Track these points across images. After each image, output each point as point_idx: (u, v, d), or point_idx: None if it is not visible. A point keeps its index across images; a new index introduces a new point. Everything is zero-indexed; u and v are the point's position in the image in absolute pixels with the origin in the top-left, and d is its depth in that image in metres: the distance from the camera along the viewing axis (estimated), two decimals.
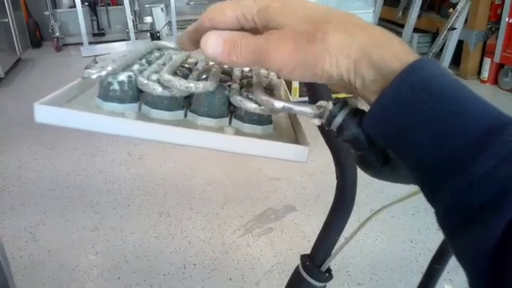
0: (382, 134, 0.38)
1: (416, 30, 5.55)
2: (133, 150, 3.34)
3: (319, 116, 0.43)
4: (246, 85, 0.55)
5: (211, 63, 0.62)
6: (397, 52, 0.37)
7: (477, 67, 4.99)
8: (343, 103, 0.42)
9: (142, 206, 2.74)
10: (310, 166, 3.08)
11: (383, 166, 0.42)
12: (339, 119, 0.41)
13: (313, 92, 0.62)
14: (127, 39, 6.85)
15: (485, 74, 4.84)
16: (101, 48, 6.47)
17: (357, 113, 0.41)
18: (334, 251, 0.81)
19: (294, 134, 0.53)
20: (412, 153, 0.36)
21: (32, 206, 2.71)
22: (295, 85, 3.85)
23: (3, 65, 4.77)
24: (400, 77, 0.36)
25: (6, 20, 4.98)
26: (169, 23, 6.90)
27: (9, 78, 4.92)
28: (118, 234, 2.46)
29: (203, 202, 2.81)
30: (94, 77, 0.46)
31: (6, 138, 3.56)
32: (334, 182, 0.77)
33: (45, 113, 0.43)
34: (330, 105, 0.42)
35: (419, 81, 0.35)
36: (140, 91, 0.50)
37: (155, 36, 6.43)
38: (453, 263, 0.71)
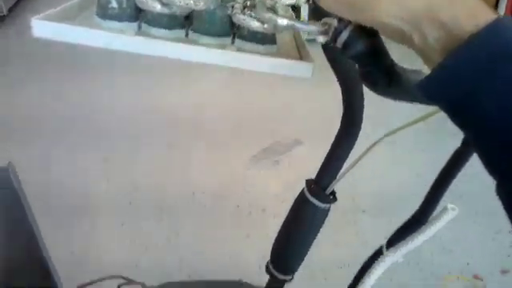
0: (444, 97, 0.35)
1: None
2: (141, 82, 3.31)
3: (324, 33, 0.41)
4: (250, 6, 0.53)
5: None
6: (472, 10, 0.33)
7: None
8: (348, 20, 0.40)
9: (151, 137, 2.77)
10: (319, 100, 3.05)
11: (390, 83, 0.41)
12: (345, 35, 0.39)
13: (317, 11, 0.59)
14: None
15: None
16: None
17: (362, 29, 0.39)
18: (339, 175, 0.82)
19: (298, 53, 0.51)
20: (481, 121, 0.33)
21: (43, 138, 2.75)
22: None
23: (5, 2, 4.61)
24: (477, 37, 0.32)
25: None
26: None
27: (12, 15, 4.79)
28: (128, 164, 2.52)
29: (211, 135, 2.83)
30: None
31: (14, 75, 3.53)
32: None
33: (43, 28, 0.42)
34: (335, 22, 0.40)
35: (499, 43, 0.31)
36: (139, 10, 0.49)
37: None
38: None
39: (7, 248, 1.19)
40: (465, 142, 0.66)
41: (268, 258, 1.05)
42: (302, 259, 0.98)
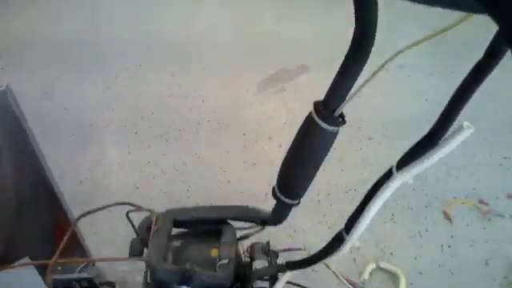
0: None
1: None
2: (142, 11, 3.17)
3: None
4: None
5: None
6: None
7: None
8: None
9: (154, 66, 2.71)
10: (327, 27, 2.92)
11: None
12: None
13: None
14: None
15: None
16: None
17: None
18: (348, 96, 0.78)
19: None
20: None
21: (46, 66, 2.70)
22: None
23: None
24: None
25: None
26: None
27: None
28: (132, 92, 2.48)
29: (216, 62, 2.75)
30: None
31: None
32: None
33: None
34: None
35: None
36: None
37: None
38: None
39: (13, 176, 1.19)
40: (489, 53, 0.60)
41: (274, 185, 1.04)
42: (309, 184, 0.97)
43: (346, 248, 0.90)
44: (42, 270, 1.07)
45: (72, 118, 2.28)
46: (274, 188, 1.02)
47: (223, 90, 2.51)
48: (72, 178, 1.93)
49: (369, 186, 0.86)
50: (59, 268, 1.29)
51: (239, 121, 2.29)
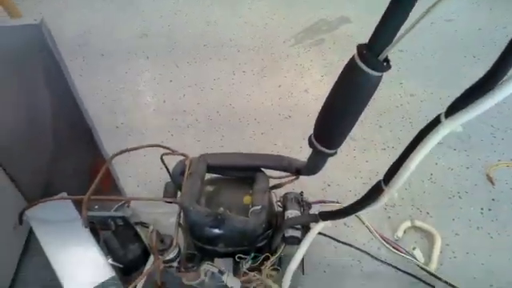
0: None
1: None
2: None
3: None
4: None
5: None
6: None
7: None
8: None
9: (189, 14, 2.65)
10: None
11: None
12: None
13: None
14: None
15: None
16: None
17: None
18: (395, 40, 0.73)
19: None
20: None
21: (81, 9, 2.69)
22: None
23: None
24: None
25: None
26: None
27: None
28: (166, 41, 2.45)
29: (252, 12, 2.67)
30: None
31: None
32: None
33: None
34: None
35: None
36: None
37: None
38: None
39: (51, 114, 1.21)
40: None
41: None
42: (347, 134, 0.93)
43: (384, 199, 0.87)
44: (78, 206, 1.10)
45: (108, 64, 2.29)
46: (310, 136, 0.99)
47: (259, 40, 2.44)
48: (108, 123, 1.95)
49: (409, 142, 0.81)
50: (96, 206, 1.33)
51: (275, 72, 2.24)
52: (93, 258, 0.98)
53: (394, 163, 0.82)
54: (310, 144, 0.99)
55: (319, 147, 0.97)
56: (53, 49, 0.99)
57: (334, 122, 0.92)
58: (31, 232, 1.43)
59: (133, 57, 2.34)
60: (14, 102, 1.15)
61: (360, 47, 0.76)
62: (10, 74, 1.05)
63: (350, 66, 0.79)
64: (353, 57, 0.78)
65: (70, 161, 1.34)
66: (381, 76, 0.78)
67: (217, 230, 1.09)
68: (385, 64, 0.75)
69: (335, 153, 0.99)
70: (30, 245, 1.44)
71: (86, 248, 1.01)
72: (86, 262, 0.98)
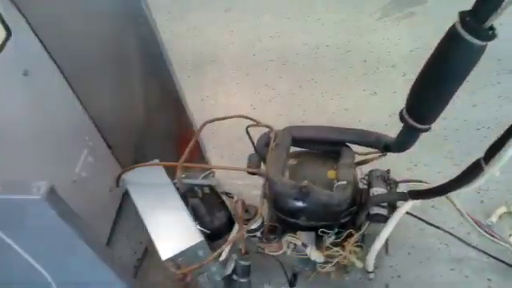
0: None
1: None
2: None
3: None
4: None
5: None
6: None
7: None
8: None
9: None
10: None
11: None
12: None
13: None
14: None
15: None
16: None
17: None
18: (503, 5, 0.66)
19: None
20: None
21: None
22: None
23: None
24: None
25: None
26: None
27: None
28: (251, 14, 2.46)
29: None
30: None
31: None
32: None
33: None
34: None
35: None
36: None
37: None
38: None
39: (143, 85, 1.27)
40: None
41: (396, 116, 0.96)
42: (443, 108, 0.88)
43: (482, 179, 0.82)
44: (169, 173, 1.16)
45: (197, 38, 2.35)
46: (402, 111, 0.95)
47: (344, 14, 2.36)
48: (194, 95, 2.01)
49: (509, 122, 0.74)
50: (183, 175, 1.39)
51: (360, 47, 2.16)
52: (183, 222, 1.03)
53: (497, 140, 0.76)
54: (401, 119, 0.95)
55: (411, 122, 0.93)
56: (148, 17, 1.03)
57: (430, 95, 0.87)
58: (124, 199, 1.54)
59: (218, 31, 2.39)
60: (112, 71, 1.22)
61: (463, 14, 0.71)
62: (108, 38, 1.11)
63: (451, 35, 0.74)
64: (454, 25, 0.73)
65: (160, 129, 1.41)
66: (485, 46, 0.72)
67: (301, 203, 1.09)
68: (490, 32, 0.69)
69: (429, 128, 0.94)
70: (122, 210, 1.55)
71: (177, 212, 1.06)
72: (176, 225, 1.03)
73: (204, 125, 1.20)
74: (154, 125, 1.41)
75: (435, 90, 0.85)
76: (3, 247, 0.67)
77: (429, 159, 1.62)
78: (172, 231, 1.02)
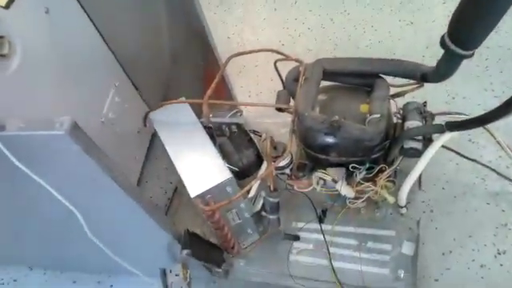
0: None
1: None
2: None
3: None
4: None
5: None
6: None
7: None
8: None
9: None
10: None
11: None
12: None
13: None
14: None
15: None
16: None
17: None
18: None
19: None
20: None
21: None
22: None
23: None
24: None
25: None
26: None
27: None
28: None
29: None
30: None
31: None
32: None
33: None
34: None
35: None
36: None
37: None
38: None
39: (168, 24, 1.22)
40: None
41: (434, 47, 0.88)
42: (488, 32, 0.80)
43: None
44: (197, 111, 1.14)
45: None
46: (443, 36, 0.87)
47: None
48: (220, 33, 1.95)
49: None
50: (211, 115, 1.37)
51: None
52: (211, 159, 1.02)
53: None
54: (442, 44, 0.88)
55: (453, 47, 0.85)
56: None
57: (475, 16, 0.79)
58: (152, 140, 1.54)
59: None
60: (136, 9, 1.18)
61: None
62: None
63: None
64: None
65: (186, 68, 1.38)
66: None
67: (331, 138, 1.06)
68: None
69: (472, 54, 0.87)
70: (151, 152, 1.56)
71: (204, 150, 1.05)
72: (205, 162, 1.02)
73: (229, 59, 1.16)
74: (180, 64, 1.38)
75: (483, 9, 0.77)
76: (30, 184, 0.67)
77: (468, 91, 1.53)
78: (200, 169, 1.01)
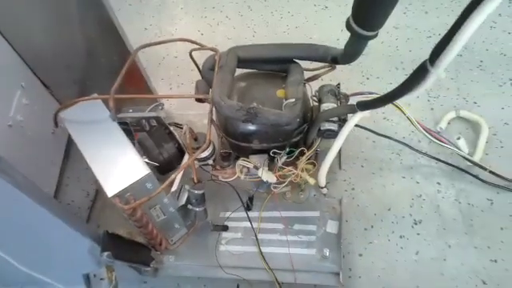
0: None
1: None
2: None
3: None
4: None
5: None
6: None
7: None
8: None
9: None
10: None
11: None
12: None
13: None
14: None
15: None
16: None
17: None
18: None
19: None
20: None
21: None
22: None
23: None
24: None
25: None
26: None
27: None
28: None
29: None
30: None
31: None
32: None
33: None
34: None
35: None
36: None
37: None
38: None
39: (80, 19, 1.15)
40: None
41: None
42: (390, 12, 0.83)
43: (429, 81, 0.79)
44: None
45: None
46: (348, 20, 0.90)
47: None
48: (137, 25, 1.88)
49: None
50: (130, 110, 1.32)
51: None
52: (127, 156, 0.98)
53: (442, 39, 0.73)
54: (348, 27, 0.90)
55: (358, 29, 0.88)
56: None
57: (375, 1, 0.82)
58: (70, 140, 1.46)
59: None
60: (40, 4, 1.10)
61: None
62: None
63: None
64: None
65: (101, 63, 1.31)
66: None
67: (250, 126, 1.06)
68: None
69: (376, 35, 0.90)
70: (71, 152, 1.48)
71: (120, 147, 1.00)
72: (121, 160, 0.98)
73: (136, 51, 1.11)
74: (95, 60, 1.31)
75: None
76: None
77: (380, 71, 1.60)
78: (117, 167, 0.97)
